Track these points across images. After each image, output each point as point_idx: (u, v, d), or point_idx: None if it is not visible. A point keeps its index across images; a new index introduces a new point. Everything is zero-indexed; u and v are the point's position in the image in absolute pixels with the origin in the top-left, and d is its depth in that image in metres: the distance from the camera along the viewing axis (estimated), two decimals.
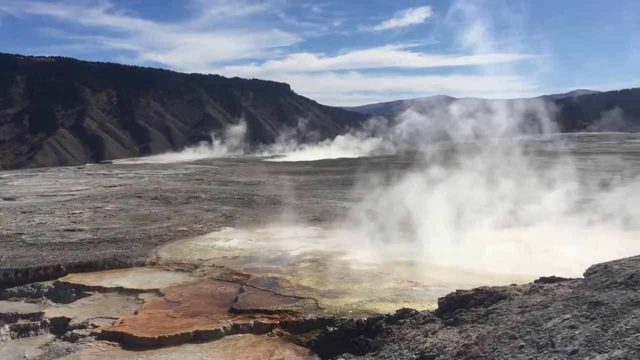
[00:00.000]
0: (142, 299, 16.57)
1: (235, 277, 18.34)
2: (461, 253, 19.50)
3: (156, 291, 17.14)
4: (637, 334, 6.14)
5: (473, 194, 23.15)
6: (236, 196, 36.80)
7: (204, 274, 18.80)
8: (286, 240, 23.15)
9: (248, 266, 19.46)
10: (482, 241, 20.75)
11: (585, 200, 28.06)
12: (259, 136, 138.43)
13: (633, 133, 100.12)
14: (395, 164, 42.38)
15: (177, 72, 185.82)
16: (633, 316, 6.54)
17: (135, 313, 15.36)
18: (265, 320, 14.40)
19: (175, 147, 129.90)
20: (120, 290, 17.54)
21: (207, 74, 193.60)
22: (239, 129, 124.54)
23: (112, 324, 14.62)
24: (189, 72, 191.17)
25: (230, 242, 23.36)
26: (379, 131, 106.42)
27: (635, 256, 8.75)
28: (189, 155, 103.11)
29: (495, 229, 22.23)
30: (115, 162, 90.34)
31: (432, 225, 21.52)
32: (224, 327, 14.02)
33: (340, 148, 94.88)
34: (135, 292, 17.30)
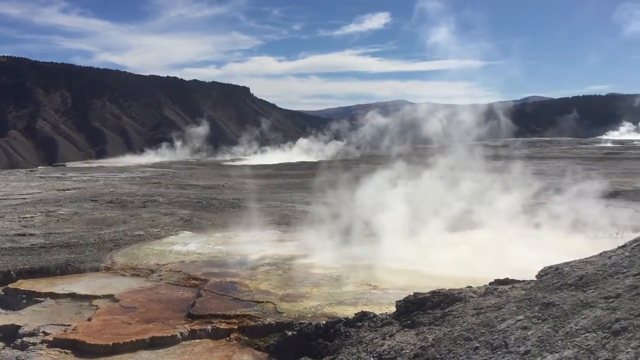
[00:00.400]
0: (96, 305, 16.17)
1: (193, 281, 18.09)
2: (419, 256, 19.75)
3: (111, 297, 16.75)
4: (586, 334, 6.32)
5: (430, 197, 23.47)
6: (194, 200, 36.36)
7: (161, 279, 18.48)
8: (245, 244, 22.98)
9: (206, 270, 19.23)
10: (439, 244, 21.07)
11: (538, 203, 28.82)
12: (218, 139, 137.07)
13: (583, 139, 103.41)
14: (356, 168, 42.67)
15: (135, 73, 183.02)
16: (582, 317, 6.73)
17: (89, 320, 14.97)
18: (223, 325, 14.25)
19: (133, 149, 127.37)
20: (73, 296, 17.06)
21: (165, 76, 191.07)
22: (198, 132, 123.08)
23: (65, 331, 14.22)
24: (147, 73, 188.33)
25: (188, 246, 23.04)
26: (342, 135, 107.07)
27: (585, 258, 9.02)
28: (146, 158, 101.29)
29: (452, 232, 22.61)
30: (70, 164, 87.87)
31: (391, 228, 21.73)
32: (181, 333, 13.80)
33: (302, 151, 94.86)
34: (89, 298, 16.85)
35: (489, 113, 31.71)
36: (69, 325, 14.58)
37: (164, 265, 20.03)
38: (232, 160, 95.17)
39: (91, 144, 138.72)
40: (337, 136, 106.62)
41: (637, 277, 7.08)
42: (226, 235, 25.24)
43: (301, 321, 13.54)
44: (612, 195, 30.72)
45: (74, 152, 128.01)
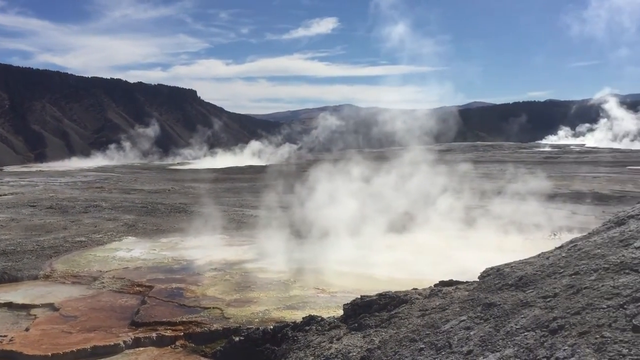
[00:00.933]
0: (35, 315, 15.55)
1: (137, 288, 17.68)
2: (366, 259, 19.93)
3: (50, 306, 16.15)
4: (525, 333, 6.51)
5: (377, 200, 23.76)
6: (139, 205, 35.53)
7: (103, 286, 17.96)
8: (192, 250, 22.63)
9: (151, 277, 18.82)
10: (386, 247, 21.34)
11: (480, 205, 29.59)
12: (165, 143, 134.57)
13: (524, 143, 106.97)
14: (305, 171, 42.70)
15: (76, 75, 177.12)
16: (522, 316, 6.93)
17: (27, 329, 14.38)
18: (168, 333, 13.97)
19: (74, 153, 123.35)
20: (10, 305, 16.35)
21: (109, 77, 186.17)
22: (143, 135, 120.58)
23: (0, 342, 13.60)
24: (89, 75, 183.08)
25: (132, 252, 22.49)
26: (294, 138, 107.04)
27: (525, 259, 9.30)
28: (88, 162, 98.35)
29: (398, 235, 22.95)
30: (6, 169, 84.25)
31: (339, 231, 21.87)
32: (124, 341, 13.44)
33: (253, 155, 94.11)
34: (26, 307, 16.19)
35: (435, 118, 32.36)
36: (5, 336, 13.95)
37: (106, 272, 19.48)
38: (179, 164, 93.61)
39: (30, 147, 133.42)
40: (289, 139, 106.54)
41: (573, 276, 7.34)
42: (172, 240, 24.79)
43: (248, 326, 13.43)
44: (551, 197, 31.87)
45: (11, 156, 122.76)
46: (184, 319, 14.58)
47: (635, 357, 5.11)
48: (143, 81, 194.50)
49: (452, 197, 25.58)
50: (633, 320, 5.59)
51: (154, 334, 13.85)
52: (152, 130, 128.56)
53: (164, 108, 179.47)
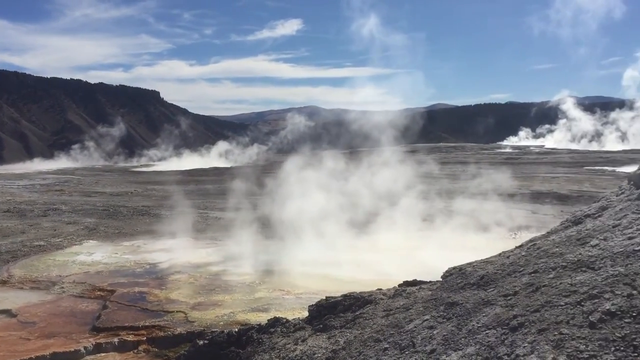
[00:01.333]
0: None
1: (99, 293, 17.34)
2: (332, 260, 19.96)
3: (7, 312, 15.69)
4: (487, 331, 6.60)
5: (343, 201, 23.83)
6: (101, 207, 34.82)
7: (63, 291, 17.54)
8: (155, 253, 22.31)
9: (113, 281, 18.48)
10: (351, 247, 21.41)
11: (443, 206, 29.96)
12: (127, 144, 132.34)
13: (485, 144, 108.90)
14: (271, 172, 42.53)
15: (35, 75, 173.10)
16: (484, 314, 7.03)
17: None
18: (130, 337, 13.74)
19: (33, 155, 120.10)
20: None
21: (69, 78, 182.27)
22: (105, 137, 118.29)
23: None
24: (49, 75, 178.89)
25: (93, 256, 22.03)
26: (260, 139, 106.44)
27: (486, 258, 9.45)
28: (48, 164, 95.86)
29: (363, 235, 23.04)
30: None
31: (304, 232, 21.85)
32: (85, 347, 13.16)
33: (219, 156, 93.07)
34: None
35: (399, 119, 32.65)
36: None
37: (66, 276, 19.04)
38: (142, 166, 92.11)
39: None
40: (257, 140, 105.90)
41: (533, 275, 7.49)
42: (135, 243, 24.37)
43: (213, 330, 13.30)
44: (512, 197, 32.51)
45: None
46: (147, 323, 14.37)
47: (593, 353, 5.23)
48: (104, 82, 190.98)
49: (416, 198, 25.84)
50: (590, 317, 5.73)
51: (115, 339, 13.60)
52: (115, 132, 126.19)
53: (126, 109, 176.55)
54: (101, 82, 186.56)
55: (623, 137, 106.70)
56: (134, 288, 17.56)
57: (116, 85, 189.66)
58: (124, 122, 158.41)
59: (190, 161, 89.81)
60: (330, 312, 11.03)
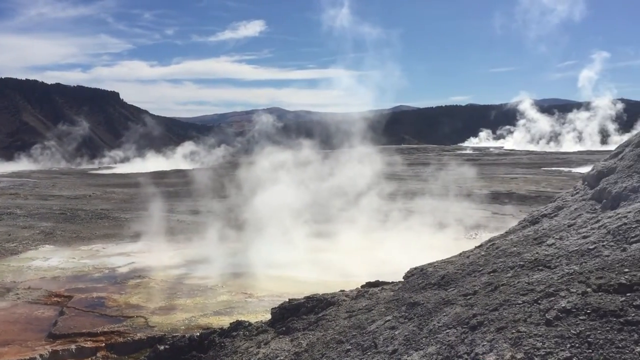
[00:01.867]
0: None
1: (55, 299, 16.88)
2: (295, 262, 19.91)
3: None
4: (447, 331, 6.67)
5: (306, 203, 23.81)
6: (57, 211, 33.94)
7: (18, 298, 17.01)
8: (114, 257, 21.87)
9: (70, 286, 18.02)
10: (314, 249, 21.40)
11: (405, 206, 30.23)
12: (85, 147, 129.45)
13: (447, 146, 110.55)
14: (234, 174, 42.11)
15: None
16: (444, 314, 7.10)
17: None
18: (89, 344, 13.41)
19: None
20: None
21: (24, 78, 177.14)
22: (63, 139, 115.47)
23: None
24: (2, 75, 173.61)
25: (49, 261, 21.44)
26: (226, 140, 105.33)
27: (447, 258, 9.56)
28: (2, 167, 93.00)
29: (326, 237, 23.06)
30: None
31: (267, 234, 21.75)
32: (41, 355, 12.78)
33: (183, 158, 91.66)
34: None
35: (363, 121, 32.84)
36: None
37: (21, 282, 18.48)
38: (101, 168, 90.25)
39: None
40: (222, 141, 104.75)
41: (492, 274, 7.60)
42: (93, 248, 23.83)
43: (174, 334, 13.08)
44: (472, 197, 33.03)
45: None
46: (106, 329, 14.05)
47: (549, 350, 5.33)
48: (62, 82, 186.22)
49: (378, 198, 26.00)
50: (546, 315, 5.84)
51: (73, 346, 13.25)
52: (73, 134, 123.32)
53: (85, 110, 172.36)
54: (58, 83, 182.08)
55: (579, 138, 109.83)
56: (92, 293, 17.16)
57: (74, 86, 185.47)
58: (83, 123, 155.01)
59: (151, 163, 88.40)
60: (293, 314, 10.99)
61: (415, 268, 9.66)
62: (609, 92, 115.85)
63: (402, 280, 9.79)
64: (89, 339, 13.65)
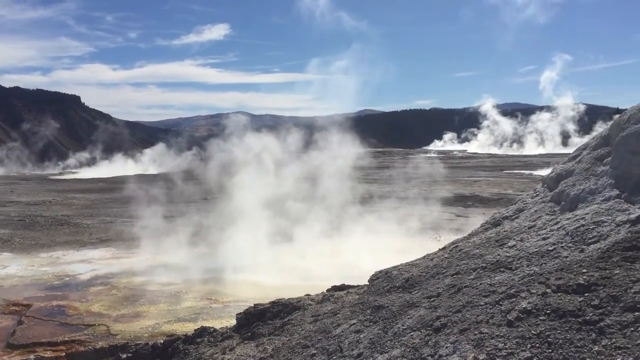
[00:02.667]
0: None
1: (13, 308, 16.37)
2: (261, 266, 19.80)
3: None
4: (412, 333, 6.71)
5: (270, 205, 23.71)
6: (15, 218, 33.01)
7: None
8: (75, 264, 21.36)
9: (29, 295, 17.52)
10: (280, 254, 21.32)
11: (369, 210, 30.40)
12: (45, 151, 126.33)
13: (411, 149, 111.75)
14: (199, 178, 41.69)
15: None
16: (408, 317, 7.15)
17: None
18: (48, 354, 13.04)
19: None
20: None
21: None
22: (21, 143, 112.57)
23: None
24: None
25: (7, 269, 20.80)
26: (190, 144, 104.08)
27: (411, 261, 9.63)
28: None
29: (292, 241, 22.98)
30: None
31: (232, 239, 21.57)
32: None
33: (145, 163, 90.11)
34: None
35: (327, 125, 32.90)
36: None
37: None
38: (62, 173, 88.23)
39: None
40: (188, 145, 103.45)
41: (455, 276, 7.69)
42: (53, 255, 23.23)
43: (137, 342, 12.85)
44: (436, 200, 33.41)
45: None
46: (66, 338, 13.70)
47: (510, 350, 5.41)
48: (20, 86, 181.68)
49: (343, 202, 26.03)
50: (508, 316, 5.93)
51: (32, 356, 12.87)
52: (32, 138, 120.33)
53: (45, 115, 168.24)
54: (17, 86, 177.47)
55: (542, 140, 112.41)
56: (52, 302, 16.71)
57: (33, 90, 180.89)
58: (43, 127, 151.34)
59: (115, 168, 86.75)
60: (258, 319, 10.93)
61: (380, 271, 9.71)
62: (570, 93, 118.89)
63: (367, 283, 9.83)
64: (49, 348, 13.28)
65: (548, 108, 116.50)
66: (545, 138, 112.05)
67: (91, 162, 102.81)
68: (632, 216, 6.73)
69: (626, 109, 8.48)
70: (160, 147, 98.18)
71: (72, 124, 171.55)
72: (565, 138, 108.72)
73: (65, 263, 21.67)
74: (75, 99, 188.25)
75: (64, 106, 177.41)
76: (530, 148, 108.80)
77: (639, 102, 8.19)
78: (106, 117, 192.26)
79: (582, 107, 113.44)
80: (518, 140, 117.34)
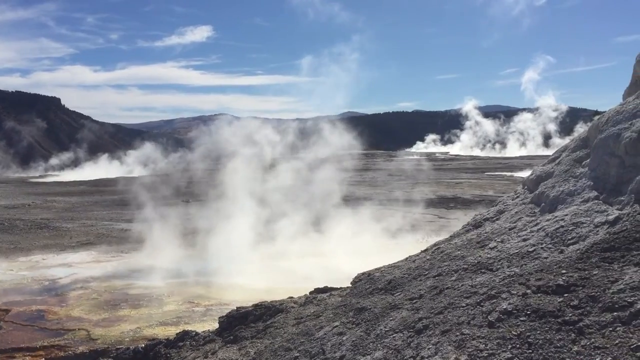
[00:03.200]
0: None
1: None
2: (243, 269, 19.71)
3: None
4: (394, 335, 6.72)
5: (252, 208, 23.65)
6: None
7: None
8: (55, 268, 21.10)
9: (8, 300, 17.26)
10: (263, 257, 21.24)
11: (352, 212, 30.42)
12: (24, 154, 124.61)
13: (393, 152, 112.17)
14: (183, 182, 41.35)
15: None
16: (391, 318, 7.16)
17: None
18: (27, 359, 12.87)
19: None
20: None
21: None
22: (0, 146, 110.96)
23: None
24: None
25: None
26: (175, 147, 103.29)
27: (393, 263, 9.65)
28: None
29: (276, 244, 22.93)
30: None
31: (214, 242, 21.46)
32: None
33: (127, 165, 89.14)
34: None
35: (309, 128, 32.92)
36: None
37: None
38: (42, 176, 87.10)
39: None
40: (171, 147, 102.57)
41: (437, 278, 7.72)
42: (32, 259, 22.91)
43: (118, 347, 12.72)
44: (418, 202, 33.57)
45: None
46: (46, 344, 13.52)
47: (491, 351, 5.44)
48: None
49: (325, 204, 26.01)
50: (489, 317, 5.97)
51: None
52: (10, 141, 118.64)
53: (24, 117, 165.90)
54: None
55: (523, 141, 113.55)
56: (31, 306, 16.49)
57: (12, 91, 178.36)
58: (21, 130, 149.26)
59: (95, 170, 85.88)
60: (241, 322, 10.87)
61: (363, 273, 9.72)
62: (552, 94, 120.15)
63: (350, 285, 9.82)
64: (28, 354, 13.10)
65: (529, 110, 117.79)
66: (527, 139, 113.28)
67: (72, 165, 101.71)
68: (610, 217, 6.82)
69: (605, 112, 8.60)
70: (143, 149, 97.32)
71: (52, 126, 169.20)
72: (546, 139, 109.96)
73: (44, 267, 21.39)
74: (55, 100, 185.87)
75: (44, 108, 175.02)
76: (512, 149, 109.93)
77: (618, 104, 8.31)
78: (86, 119, 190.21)
79: (564, 108, 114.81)
80: (500, 141, 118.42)
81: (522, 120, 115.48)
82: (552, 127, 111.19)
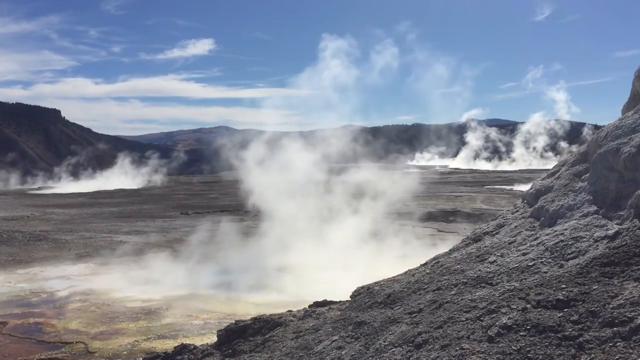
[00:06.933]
0: None
1: None
2: (241, 283, 19.64)
3: None
4: (393, 349, 6.69)
5: (247, 222, 23.59)
6: None
7: None
8: (53, 280, 21.01)
9: (5, 312, 17.16)
10: (260, 269, 21.17)
11: (349, 225, 30.36)
12: (24, 166, 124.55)
13: (392, 164, 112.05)
14: (181, 194, 41.40)
15: None
16: (390, 332, 7.12)
17: None
18: None
19: None
20: None
21: None
22: None
23: None
24: None
25: None
26: (175, 160, 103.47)
27: (392, 277, 9.63)
28: None
29: (271, 256, 22.83)
30: None
31: (212, 255, 21.40)
32: None
33: (129, 177, 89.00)
34: None
35: (305, 140, 32.96)
36: None
37: None
38: (41, 188, 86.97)
39: None
40: (173, 161, 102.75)
41: (436, 292, 7.69)
42: (31, 271, 22.82)
43: None
44: (418, 215, 33.54)
45: None
46: (43, 356, 13.43)
47: None
48: (0, 100, 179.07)
49: (322, 218, 25.94)
50: (488, 332, 5.94)
51: None
52: (10, 153, 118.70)
53: (24, 128, 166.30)
54: None
55: (523, 155, 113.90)
56: (28, 319, 16.40)
57: (13, 103, 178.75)
58: (21, 142, 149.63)
59: (95, 183, 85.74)
60: (239, 336, 10.82)
61: (362, 287, 9.69)
62: (555, 107, 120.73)
63: (349, 299, 9.79)
64: None
65: (530, 123, 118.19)
66: (528, 153, 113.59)
67: (72, 177, 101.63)
68: (610, 232, 6.82)
69: (603, 126, 8.62)
70: (142, 161, 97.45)
71: (52, 138, 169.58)
72: (547, 152, 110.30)
73: (42, 279, 21.31)
74: (56, 112, 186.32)
75: (44, 120, 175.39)
76: (512, 163, 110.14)
77: (617, 118, 8.33)
78: (87, 131, 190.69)
79: (565, 123, 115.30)
80: (500, 155, 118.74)
81: (523, 135, 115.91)
82: (553, 141, 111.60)
